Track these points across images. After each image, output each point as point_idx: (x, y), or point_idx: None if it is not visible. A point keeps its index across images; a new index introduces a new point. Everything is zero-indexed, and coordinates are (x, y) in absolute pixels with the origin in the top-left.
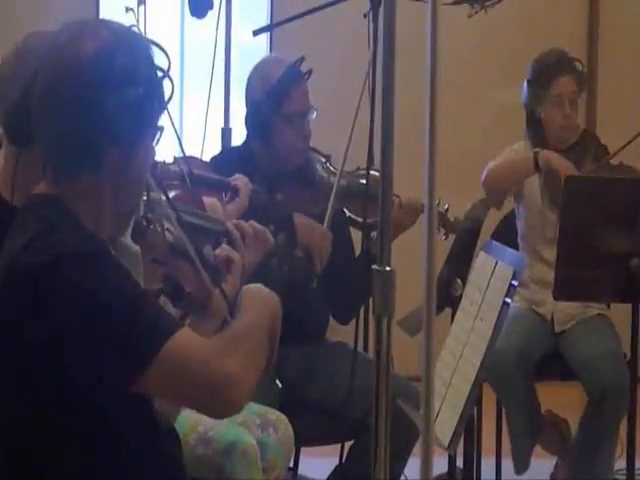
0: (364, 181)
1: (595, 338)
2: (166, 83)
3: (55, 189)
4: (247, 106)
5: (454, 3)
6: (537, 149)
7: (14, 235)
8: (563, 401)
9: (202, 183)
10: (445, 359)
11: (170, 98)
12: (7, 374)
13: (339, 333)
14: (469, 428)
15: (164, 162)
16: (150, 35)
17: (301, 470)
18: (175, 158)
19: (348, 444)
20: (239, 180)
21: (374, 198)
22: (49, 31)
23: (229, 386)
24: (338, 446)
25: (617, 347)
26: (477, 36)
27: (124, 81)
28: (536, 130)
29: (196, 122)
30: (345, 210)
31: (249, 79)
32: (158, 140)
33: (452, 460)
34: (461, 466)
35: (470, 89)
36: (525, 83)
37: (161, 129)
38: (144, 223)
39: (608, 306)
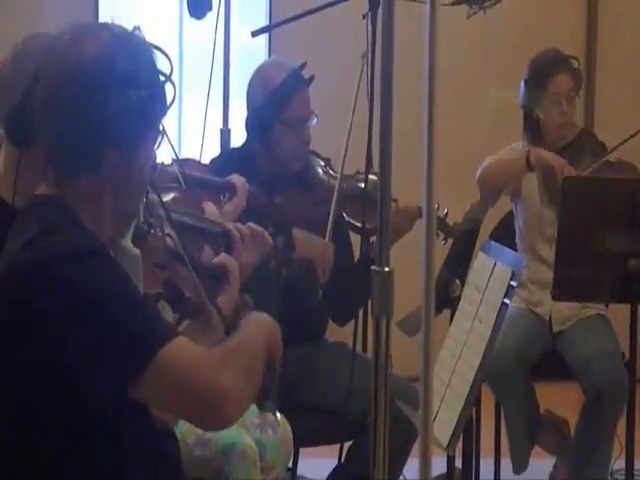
0: (363, 185)
1: (593, 338)
2: (167, 86)
3: (56, 190)
4: (248, 109)
5: (453, 4)
6: (530, 147)
7: (15, 236)
8: (562, 401)
9: (200, 185)
10: (444, 360)
11: (172, 102)
12: (7, 374)
13: (338, 333)
14: (468, 428)
15: (162, 164)
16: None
17: (300, 470)
18: (173, 160)
19: (347, 444)
20: (236, 179)
21: (373, 202)
22: (49, 33)
23: (222, 398)
24: (337, 446)
25: (615, 347)
26: (476, 37)
27: (126, 84)
28: (533, 130)
29: (195, 123)
30: (344, 214)
31: (250, 82)
32: (159, 143)
33: (451, 460)
34: (460, 466)
35: (469, 90)
36: (522, 83)
37: (163, 132)
38: (145, 227)
39: (607, 306)
